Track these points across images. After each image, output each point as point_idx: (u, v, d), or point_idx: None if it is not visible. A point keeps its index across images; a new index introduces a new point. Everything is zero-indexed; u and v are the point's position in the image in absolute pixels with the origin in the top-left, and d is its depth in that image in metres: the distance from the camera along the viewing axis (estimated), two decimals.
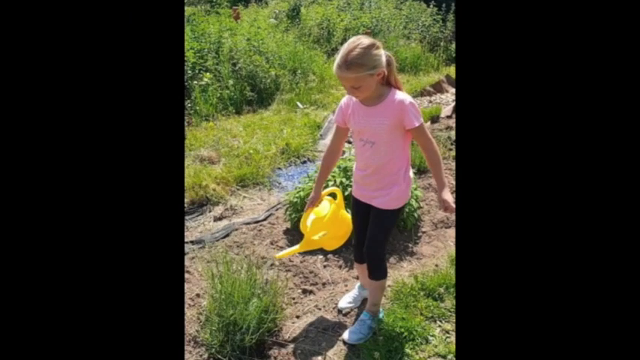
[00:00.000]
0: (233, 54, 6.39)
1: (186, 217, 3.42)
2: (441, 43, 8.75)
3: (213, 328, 1.99)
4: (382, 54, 1.73)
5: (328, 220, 2.08)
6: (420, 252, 2.73)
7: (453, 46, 9.05)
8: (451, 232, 2.94)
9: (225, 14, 7.74)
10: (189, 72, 5.69)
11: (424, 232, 2.94)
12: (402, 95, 1.80)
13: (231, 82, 5.99)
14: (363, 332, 2.04)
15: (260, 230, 3.06)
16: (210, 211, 3.52)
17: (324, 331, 2.14)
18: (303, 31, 7.79)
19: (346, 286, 2.44)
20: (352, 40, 1.71)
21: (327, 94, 6.34)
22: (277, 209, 3.40)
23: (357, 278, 2.48)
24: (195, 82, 5.66)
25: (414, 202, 2.85)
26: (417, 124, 1.77)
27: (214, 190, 3.67)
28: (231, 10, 7.87)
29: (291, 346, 2.04)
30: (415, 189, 2.97)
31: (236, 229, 3.13)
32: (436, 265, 2.52)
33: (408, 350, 1.91)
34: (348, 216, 2.17)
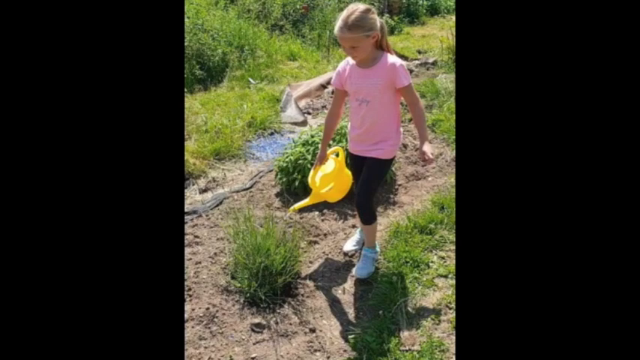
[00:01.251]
0: None
1: None
2: None
3: (245, 276, 2.23)
4: (376, 18, 1.97)
5: (334, 175, 2.42)
6: (400, 201, 3.11)
7: (384, 18, 9.48)
8: (422, 183, 3.34)
9: None
10: None
11: (400, 185, 3.31)
12: (393, 58, 2.04)
13: None
14: (369, 265, 2.35)
15: (252, 196, 3.29)
16: (193, 185, 3.67)
17: (336, 271, 2.45)
18: (242, 7, 7.82)
19: (345, 234, 2.76)
20: (351, 6, 1.95)
21: (276, 69, 6.52)
22: (261, 177, 3.63)
23: (354, 227, 2.81)
24: None
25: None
26: (406, 84, 2.02)
27: (194, 164, 3.82)
28: None
29: (313, 284, 2.34)
30: None
31: (227, 198, 3.33)
32: (418, 210, 2.90)
33: (415, 274, 2.28)
34: (348, 172, 2.48)
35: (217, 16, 7.07)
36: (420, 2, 10.70)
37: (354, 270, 2.39)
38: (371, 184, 2.23)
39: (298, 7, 8.30)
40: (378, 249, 2.45)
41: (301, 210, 2.94)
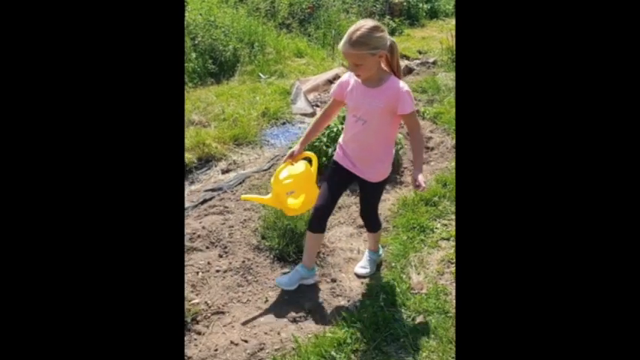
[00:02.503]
0: (191, 29, 6.69)
1: (197, 172, 3.90)
2: (375, 18, 9.51)
3: (274, 236, 2.58)
4: (386, 37, 1.89)
5: (302, 181, 2.16)
6: (406, 181, 3.47)
7: (385, 20, 9.86)
8: (425, 167, 3.70)
9: None
10: None
11: (405, 168, 3.67)
12: (400, 83, 1.96)
13: (193, 55, 6.33)
14: (370, 265, 2.43)
15: (271, 175, 3.62)
16: (216, 166, 4.02)
17: (350, 236, 2.80)
18: (252, 5, 8.17)
19: (357, 207, 3.10)
20: (359, 22, 1.89)
21: (285, 64, 6.87)
22: (277, 160, 3.97)
23: None
24: None
25: (398, 145, 3.56)
26: (409, 111, 1.96)
27: (216, 147, 4.16)
28: None
29: (332, 245, 2.69)
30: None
31: (248, 177, 3.68)
32: None
33: (421, 237, 2.64)
34: (317, 189, 2.23)
35: (228, 13, 7.41)
36: (420, 5, 11.09)
37: (355, 268, 2.46)
38: (372, 202, 2.28)
39: (304, 6, 8.66)
40: (381, 252, 2.51)
41: None
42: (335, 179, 2.18)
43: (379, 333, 1.99)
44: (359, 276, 2.44)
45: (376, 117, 1.99)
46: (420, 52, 7.98)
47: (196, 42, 6.56)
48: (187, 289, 2.22)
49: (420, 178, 1.99)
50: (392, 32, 9.76)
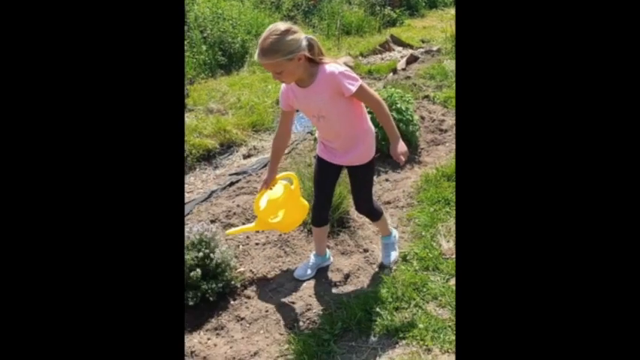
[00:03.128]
0: (200, 21, 6.81)
1: (220, 157, 4.06)
2: (377, 9, 9.63)
3: None
4: (300, 38, 1.76)
5: (282, 203, 2.19)
6: (424, 161, 3.62)
7: (386, 11, 9.99)
8: (441, 147, 3.86)
9: None
10: None
11: (422, 148, 3.83)
12: (331, 67, 1.83)
13: (204, 47, 6.45)
14: (391, 251, 2.42)
15: (293, 158, 3.77)
16: (237, 151, 4.16)
17: None
18: None
19: (381, 186, 3.26)
20: (268, 28, 1.76)
21: None
22: (297, 144, 4.12)
23: (387, 181, 3.29)
24: None
25: (415, 126, 3.71)
26: (354, 89, 1.82)
27: (236, 134, 4.30)
28: None
29: (361, 220, 2.84)
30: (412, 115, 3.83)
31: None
32: (441, 166, 3.41)
33: (447, 209, 2.80)
34: (304, 202, 2.31)
35: (235, 6, 7.53)
36: None
37: (380, 259, 2.45)
38: (364, 190, 2.21)
39: None
40: (394, 233, 2.48)
41: None
42: (323, 174, 2.17)
43: (418, 293, 2.15)
44: (386, 265, 2.38)
45: (331, 109, 1.91)
46: (422, 41, 8.11)
47: (205, 35, 6.68)
48: (232, 259, 2.36)
49: (399, 149, 1.90)
50: (392, 23, 9.89)
